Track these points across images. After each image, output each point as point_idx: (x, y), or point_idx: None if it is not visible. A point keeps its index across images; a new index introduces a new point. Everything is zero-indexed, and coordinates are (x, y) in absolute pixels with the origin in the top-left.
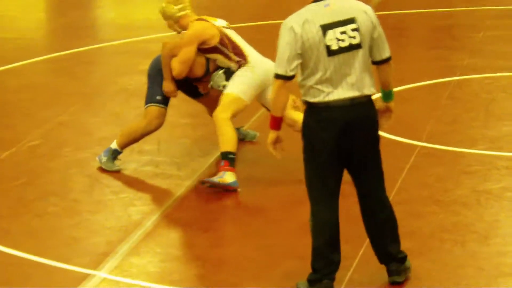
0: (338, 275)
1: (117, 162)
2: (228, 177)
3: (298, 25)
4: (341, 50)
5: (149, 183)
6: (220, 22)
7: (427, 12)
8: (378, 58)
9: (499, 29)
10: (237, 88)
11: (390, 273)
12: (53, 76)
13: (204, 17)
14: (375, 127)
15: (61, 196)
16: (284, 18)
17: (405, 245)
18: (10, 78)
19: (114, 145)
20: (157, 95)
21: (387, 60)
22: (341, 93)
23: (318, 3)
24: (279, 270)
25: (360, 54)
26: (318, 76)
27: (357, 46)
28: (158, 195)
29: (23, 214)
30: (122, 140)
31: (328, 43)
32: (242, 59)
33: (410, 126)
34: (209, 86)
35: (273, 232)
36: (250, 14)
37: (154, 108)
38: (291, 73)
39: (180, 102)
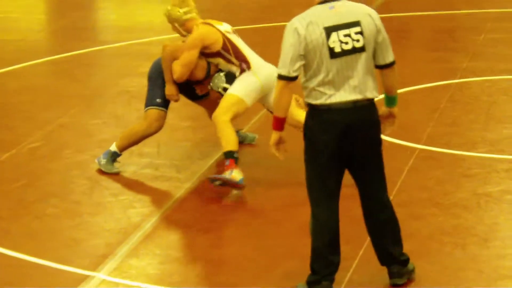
0: (337, 276)
1: (116, 165)
2: (236, 174)
3: (302, 27)
4: (344, 53)
5: (149, 186)
6: (225, 27)
7: (428, 15)
8: (381, 62)
9: (500, 32)
10: (239, 90)
11: (391, 275)
12: (53, 78)
13: (209, 21)
14: (377, 130)
15: (61, 198)
16: (284, 20)
17: (405, 247)
18: (11, 80)
19: (113, 148)
20: (157, 98)
21: (390, 65)
22: (343, 95)
23: (323, 5)
24: (279, 271)
25: (363, 57)
26: (320, 78)
27: (360, 49)
28: (157, 197)
29: (23, 216)
30: (121, 143)
31: (331, 45)
32: (244, 64)
33: (410, 129)
34: (209, 87)
35: (273, 233)
36: (251, 16)
37: (154, 111)
38: (294, 74)
39: (180, 105)
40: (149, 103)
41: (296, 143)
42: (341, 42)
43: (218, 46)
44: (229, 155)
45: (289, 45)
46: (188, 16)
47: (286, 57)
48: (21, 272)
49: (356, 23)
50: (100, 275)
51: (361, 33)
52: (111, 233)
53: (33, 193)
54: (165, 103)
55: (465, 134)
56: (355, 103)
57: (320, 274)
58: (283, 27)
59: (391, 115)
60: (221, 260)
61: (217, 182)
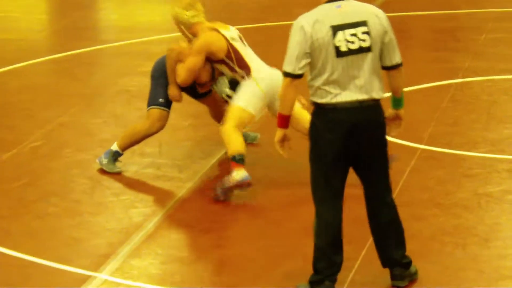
0: (339, 276)
1: (118, 164)
2: (236, 174)
3: (309, 25)
4: (350, 52)
5: (150, 185)
6: (232, 33)
7: (429, 14)
8: (388, 63)
9: (501, 32)
10: (241, 100)
11: (393, 277)
12: (54, 77)
13: (216, 25)
14: (382, 131)
15: (62, 197)
16: (284, 20)
17: (406, 247)
18: (12, 79)
19: (114, 147)
20: (160, 98)
21: (397, 66)
22: (349, 95)
23: (330, 4)
24: (280, 271)
25: (370, 57)
26: (325, 76)
27: (367, 49)
28: (159, 197)
29: (24, 215)
30: (123, 142)
31: (337, 44)
32: (246, 72)
33: (411, 129)
34: (212, 87)
35: (274, 233)
36: (252, 16)
37: (157, 111)
38: (299, 72)
39: (182, 103)
40: (152, 102)
41: (298, 143)
42: (348, 41)
43: (222, 54)
44: (231, 159)
45: (295, 43)
46: (195, 19)
47: (292, 55)
48: (21, 272)
49: (363, 23)
50: (101, 275)
51: (368, 33)
52: (113, 233)
53: (34, 192)
54: (168, 103)
55: (466, 134)
56: (361, 103)
57: (323, 274)
58: (283, 26)
59: (397, 117)
60: (222, 260)
61: (221, 193)
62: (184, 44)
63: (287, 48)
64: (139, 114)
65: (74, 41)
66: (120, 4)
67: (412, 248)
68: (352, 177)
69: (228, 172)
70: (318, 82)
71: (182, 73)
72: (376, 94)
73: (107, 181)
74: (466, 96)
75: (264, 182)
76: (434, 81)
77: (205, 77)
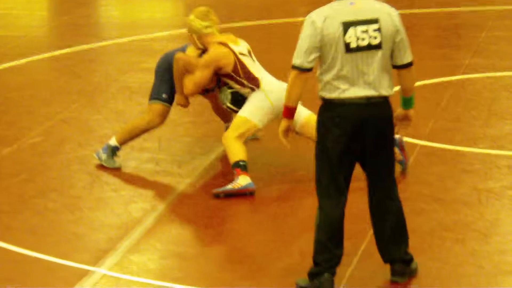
0: (339, 271)
1: (117, 159)
2: (241, 180)
3: (320, 20)
4: (360, 49)
5: (150, 181)
6: (241, 47)
7: (431, 12)
8: (399, 62)
9: (503, 29)
10: (246, 112)
11: (393, 272)
12: (55, 73)
13: (226, 39)
14: (389, 127)
15: (61, 192)
16: (286, 17)
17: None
18: (13, 76)
19: (113, 142)
20: (163, 93)
21: (407, 66)
22: (357, 91)
23: (343, 0)
24: (279, 266)
25: (380, 54)
26: (334, 71)
27: (377, 47)
28: (158, 192)
29: (24, 211)
30: (121, 136)
31: (347, 41)
32: (255, 84)
33: (412, 124)
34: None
35: (273, 228)
36: (253, 13)
37: (159, 106)
38: (307, 65)
39: None
40: (155, 96)
41: (298, 140)
42: (358, 38)
43: (229, 69)
44: (235, 165)
45: (305, 37)
46: (209, 30)
47: (301, 48)
48: (21, 267)
49: (374, 20)
50: (100, 270)
51: (379, 30)
52: (112, 228)
53: (34, 188)
54: (170, 99)
55: (467, 130)
56: (369, 99)
57: (322, 266)
58: (283, 24)
59: (406, 118)
60: (221, 255)
61: (222, 194)
62: (191, 52)
63: (297, 42)
64: (141, 110)
65: (75, 37)
66: (121, 0)
67: (411, 243)
68: (354, 171)
69: (228, 173)
70: (327, 76)
71: (189, 86)
72: (385, 91)
73: (107, 176)
74: (467, 93)
75: (264, 178)
76: (436, 78)
77: (210, 84)
